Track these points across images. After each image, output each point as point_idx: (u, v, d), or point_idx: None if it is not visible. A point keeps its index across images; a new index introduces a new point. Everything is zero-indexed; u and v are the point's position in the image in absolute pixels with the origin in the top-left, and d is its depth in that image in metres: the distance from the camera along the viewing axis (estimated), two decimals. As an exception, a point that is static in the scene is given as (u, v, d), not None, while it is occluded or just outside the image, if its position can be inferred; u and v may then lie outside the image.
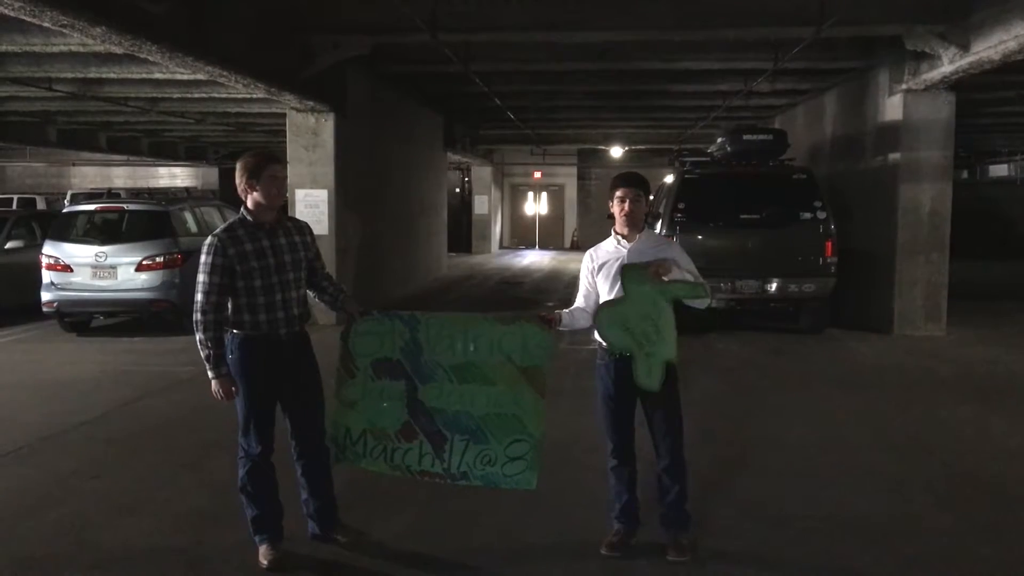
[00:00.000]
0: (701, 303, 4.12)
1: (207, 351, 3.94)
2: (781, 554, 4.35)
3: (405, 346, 4.21)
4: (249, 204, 4.05)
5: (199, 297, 3.94)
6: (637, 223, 4.20)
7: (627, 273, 4.05)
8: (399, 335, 4.22)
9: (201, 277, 3.95)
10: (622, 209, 4.17)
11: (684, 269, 4.14)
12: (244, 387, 4.04)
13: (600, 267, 4.23)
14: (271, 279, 4.01)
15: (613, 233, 4.28)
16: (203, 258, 3.96)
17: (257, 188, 4.00)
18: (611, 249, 4.25)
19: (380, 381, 4.23)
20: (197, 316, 3.94)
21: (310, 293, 4.34)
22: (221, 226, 4.12)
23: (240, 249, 3.96)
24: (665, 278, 4.01)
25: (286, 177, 4.11)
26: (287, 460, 4.31)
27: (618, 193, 4.20)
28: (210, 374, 3.98)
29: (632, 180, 4.23)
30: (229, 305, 4.03)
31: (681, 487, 4.21)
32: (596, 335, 4.26)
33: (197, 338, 3.96)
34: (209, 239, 4.02)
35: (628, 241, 4.20)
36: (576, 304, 4.33)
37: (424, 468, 4.20)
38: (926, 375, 8.70)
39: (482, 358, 4.16)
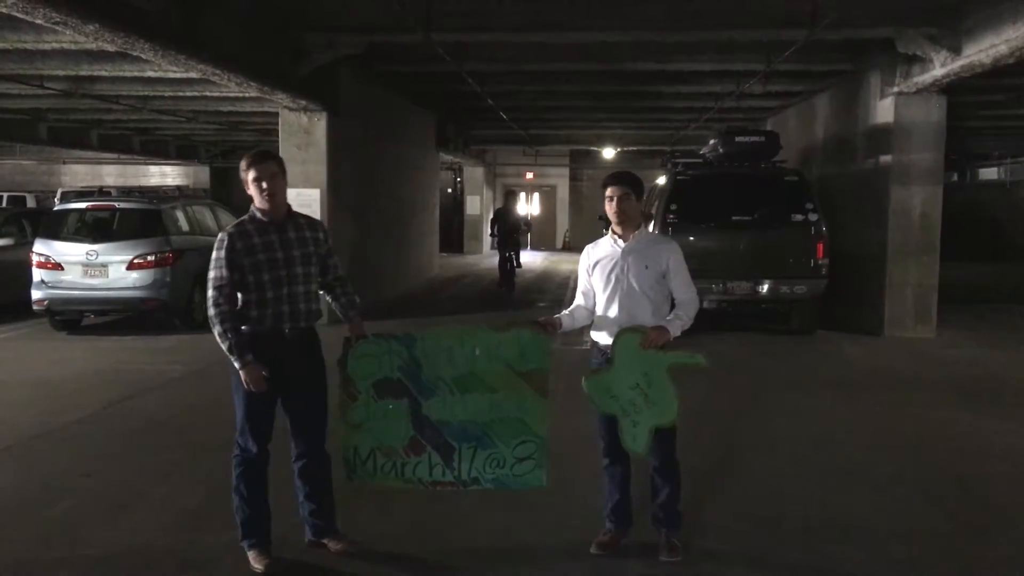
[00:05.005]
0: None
1: (227, 342, 3.96)
2: (772, 555, 4.37)
3: (404, 365, 4.21)
4: (254, 202, 4.12)
5: (211, 292, 3.98)
6: (628, 221, 4.22)
7: (619, 340, 4.04)
8: (396, 354, 4.21)
9: (212, 273, 4.01)
10: (611, 207, 4.22)
11: (675, 274, 4.16)
12: (243, 384, 4.05)
13: (595, 264, 4.27)
14: (279, 272, 4.06)
15: (610, 232, 4.30)
16: (214, 254, 4.02)
17: (248, 189, 4.08)
18: (607, 248, 4.27)
19: (383, 401, 4.23)
20: (211, 311, 3.96)
21: (322, 294, 4.35)
22: (233, 222, 4.20)
23: (248, 243, 4.03)
24: (659, 347, 3.99)
25: (275, 174, 4.07)
26: (282, 462, 4.30)
27: (608, 192, 4.24)
28: (236, 364, 3.99)
29: (621, 178, 4.26)
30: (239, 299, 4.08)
31: (673, 487, 4.23)
32: (592, 334, 4.29)
33: (215, 332, 3.98)
34: (220, 235, 4.09)
35: (623, 240, 4.23)
36: (576, 303, 4.36)
37: (435, 478, 4.22)
38: (916, 377, 8.74)
39: (481, 367, 4.18)
